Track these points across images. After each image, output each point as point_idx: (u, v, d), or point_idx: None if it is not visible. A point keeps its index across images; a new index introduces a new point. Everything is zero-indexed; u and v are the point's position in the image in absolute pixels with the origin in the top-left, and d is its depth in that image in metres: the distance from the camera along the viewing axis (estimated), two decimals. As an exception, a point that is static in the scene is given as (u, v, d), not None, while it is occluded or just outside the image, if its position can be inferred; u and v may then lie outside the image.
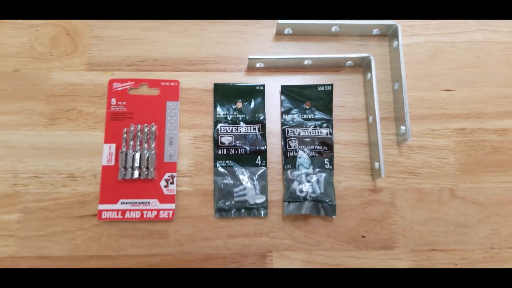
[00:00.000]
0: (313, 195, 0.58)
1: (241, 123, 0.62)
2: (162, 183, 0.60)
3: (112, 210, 0.58)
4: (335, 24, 0.66)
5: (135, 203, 0.58)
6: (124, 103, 0.63)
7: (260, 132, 0.62)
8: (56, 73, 0.64)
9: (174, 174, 0.60)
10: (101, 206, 0.58)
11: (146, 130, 0.61)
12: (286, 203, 0.58)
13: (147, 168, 0.60)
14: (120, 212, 0.58)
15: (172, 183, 0.60)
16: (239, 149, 0.61)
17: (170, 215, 0.58)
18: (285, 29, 0.67)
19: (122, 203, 0.58)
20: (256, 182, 0.60)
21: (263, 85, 0.65)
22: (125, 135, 0.61)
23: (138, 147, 0.60)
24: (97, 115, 0.62)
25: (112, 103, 0.63)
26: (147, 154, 0.60)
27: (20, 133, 0.61)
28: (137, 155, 0.60)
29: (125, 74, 0.64)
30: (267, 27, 0.68)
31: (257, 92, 0.64)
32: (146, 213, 0.58)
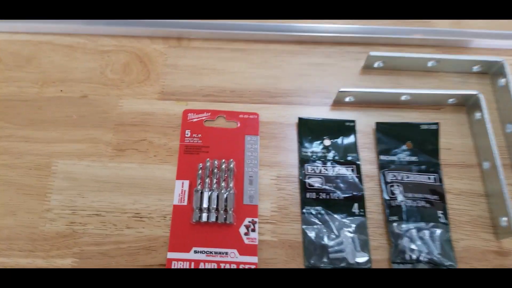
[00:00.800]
0: (428, 257, 0.48)
1: (331, 163, 0.55)
2: (242, 229, 0.51)
3: (183, 260, 0.49)
4: (432, 58, 0.60)
5: (210, 252, 0.50)
6: (200, 135, 0.56)
7: (356, 174, 0.54)
8: (127, 101, 0.59)
9: (256, 219, 0.52)
10: (171, 255, 0.50)
11: (223, 166, 0.54)
12: (395, 264, 0.49)
13: (225, 210, 0.52)
14: (193, 263, 0.49)
15: (253, 230, 0.51)
16: (331, 194, 0.53)
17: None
18: (376, 62, 0.61)
19: (195, 252, 0.50)
20: (354, 236, 0.51)
21: (354, 121, 0.58)
22: (200, 171, 0.54)
23: (215, 186, 0.53)
24: (169, 147, 0.56)
25: (186, 135, 0.57)
26: (226, 194, 0.52)
27: (83, 163, 0.55)
28: (214, 195, 0.52)
29: (200, 105, 0.59)
30: (354, 60, 0.63)
31: (347, 128, 0.57)
32: (224, 266, 0.49)
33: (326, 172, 0.55)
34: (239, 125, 0.57)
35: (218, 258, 0.50)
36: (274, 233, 0.52)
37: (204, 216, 0.51)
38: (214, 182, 0.53)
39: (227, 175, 0.54)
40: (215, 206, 0.52)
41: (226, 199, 0.52)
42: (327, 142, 0.57)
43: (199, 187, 0.53)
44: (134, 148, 0.56)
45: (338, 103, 0.60)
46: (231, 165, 0.54)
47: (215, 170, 0.54)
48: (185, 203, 0.53)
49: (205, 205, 0.52)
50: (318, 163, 0.55)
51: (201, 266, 0.49)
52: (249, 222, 0.52)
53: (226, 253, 0.50)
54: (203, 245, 0.50)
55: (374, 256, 0.50)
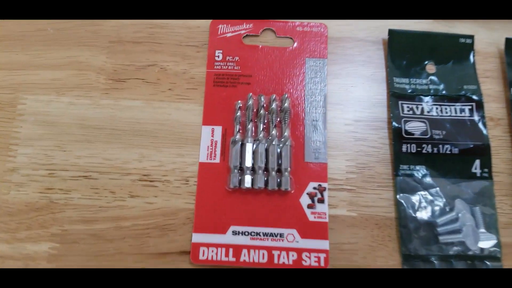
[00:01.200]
0: None
1: (439, 99, 0.36)
2: (304, 200, 0.34)
3: (217, 245, 0.33)
4: None
5: (257, 234, 0.33)
6: (237, 58, 0.38)
7: (476, 117, 0.36)
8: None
9: (325, 185, 0.35)
10: (198, 237, 0.33)
11: (274, 105, 0.36)
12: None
13: (278, 171, 0.35)
14: (231, 251, 0.33)
15: (321, 200, 0.34)
16: (440, 146, 0.35)
17: (322, 262, 0.33)
18: None
19: (234, 233, 0.33)
20: (476, 209, 0.34)
21: (472, 37, 0.38)
22: (239, 113, 0.36)
23: (262, 134, 0.35)
24: (191, 76, 0.38)
25: (217, 58, 0.38)
26: (279, 147, 0.35)
27: (63, 100, 0.37)
28: (261, 148, 0.35)
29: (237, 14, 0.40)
30: None
31: (461, 48, 0.38)
32: (279, 256, 0.33)
33: (431, 113, 0.36)
34: (295, 44, 0.39)
35: (269, 243, 0.33)
36: (352, 205, 0.34)
37: (248, 179, 0.34)
38: (261, 129, 0.35)
39: (280, 118, 0.36)
40: (263, 165, 0.34)
41: (279, 155, 0.35)
42: (431, 68, 0.38)
43: (238, 136, 0.35)
44: (138, 77, 0.37)
45: (443, 11, 0.40)
46: (286, 104, 0.36)
47: (262, 111, 0.36)
48: (217, 160, 0.35)
49: (248, 163, 0.34)
50: (419, 100, 0.37)
51: (244, 255, 0.33)
52: (314, 188, 0.34)
53: (281, 234, 0.33)
54: (246, 223, 0.33)
55: (505, 238, 0.33)
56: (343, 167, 0.35)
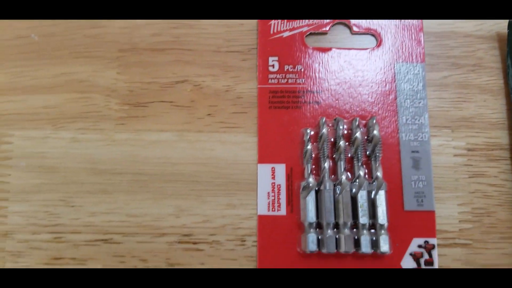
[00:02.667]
0: None
1: None
2: (408, 263, 0.26)
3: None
4: None
5: None
6: (299, 68, 0.28)
7: None
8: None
9: (433, 240, 0.26)
10: (271, 326, 0.25)
11: (358, 134, 0.27)
12: None
13: (371, 228, 0.26)
14: None
15: (429, 262, 0.26)
16: None
17: None
18: None
19: (318, 316, 0.26)
20: None
21: None
22: (309, 146, 0.27)
23: (344, 177, 0.26)
24: (237, 95, 0.28)
25: (272, 69, 0.28)
26: (372, 193, 0.26)
27: (63, 136, 0.28)
28: (346, 197, 0.26)
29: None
30: None
31: None
32: None
33: None
34: (380, 43, 0.29)
35: (366, 328, 0.25)
36: (469, 265, 0.26)
37: (331, 242, 0.26)
38: (342, 168, 0.27)
39: (368, 152, 0.27)
40: (350, 220, 0.26)
41: (372, 205, 0.26)
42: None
43: (311, 179, 0.26)
44: (164, 99, 0.28)
45: None
46: (375, 131, 0.26)
47: (341, 143, 0.27)
48: (283, 211, 0.27)
49: (329, 218, 0.26)
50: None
51: None
52: (420, 247, 0.26)
53: (380, 314, 0.25)
54: (333, 302, 0.26)
55: None
56: (455, 215, 0.27)
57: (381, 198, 0.26)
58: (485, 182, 0.27)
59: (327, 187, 0.26)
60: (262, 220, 0.27)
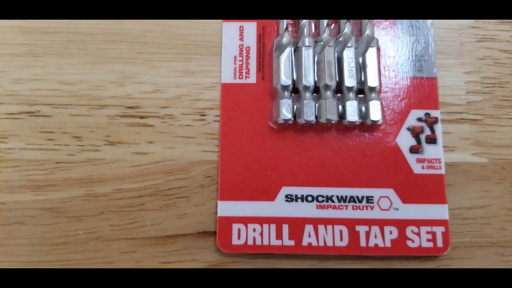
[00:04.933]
0: None
1: None
2: (404, 138, 0.22)
3: (261, 220, 0.20)
4: None
5: (329, 199, 0.21)
6: None
7: None
8: None
9: (436, 113, 0.22)
10: (227, 207, 0.20)
11: None
12: None
13: (360, 93, 0.22)
14: (286, 229, 0.20)
15: (432, 139, 0.22)
16: None
17: (439, 241, 0.20)
18: None
19: (288, 198, 0.21)
20: None
21: None
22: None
23: (327, 33, 0.22)
24: None
25: None
26: (358, 56, 0.22)
27: None
28: (329, 54, 0.21)
29: None
30: None
31: None
32: (367, 234, 0.20)
33: None
34: None
35: (349, 213, 0.20)
36: (479, 146, 0.22)
37: (309, 107, 0.21)
38: (325, 24, 0.22)
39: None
40: (334, 83, 0.21)
41: (362, 65, 0.22)
42: None
43: (286, 36, 0.22)
44: None
45: None
46: (362, -18, 0.22)
47: (322, -4, 0.22)
48: (252, 78, 0.22)
49: (308, 80, 0.21)
50: None
51: (308, 235, 0.20)
52: (419, 120, 0.22)
53: (369, 198, 0.21)
54: (307, 181, 0.21)
55: None
56: (461, 84, 0.23)
57: (371, 57, 0.21)
58: (495, 47, 0.23)
59: (306, 43, 0.22)
60: (227, 89, 0.22)
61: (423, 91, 0.22)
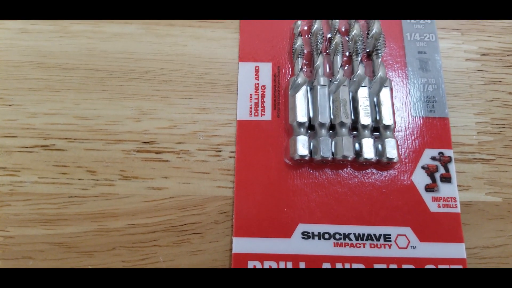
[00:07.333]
0: None
1: None
2: (419, 177, 0.23)
3: (277, 257, 0.21)
4: None
5: (346, 237, 0.21)
6: None
7: None
8: None
9: (449, 152, 0.23)
10: (243, 244, 0.21)
11: (357, 29, 0.24)
12: None
13: (374, 131, 0.23)
14: (303, 267, 0.21)
15: (446, 178, 0.23)
16: None
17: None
18: None
19: (305, 235, 0.21)
20: None
21: None
22: (299, 41, 0.24)
23: (341, 74, 0.23)
24: (218, -12, 0.26)
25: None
26: (372, 95, 0.23)
27: (10, 26, 0.25)
28: (344, 93, 0.23)
29: None
30: None
31: None
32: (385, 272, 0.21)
33: None
34: None
35: (366, 251, 0.21)
36: (493, 185, 0.23)
37: (325, 144, 0.22)
38: (339, 64, 0.24)
39: (369, 48, 0.24)
40: (349, 120, 0.22)
41: (376, 104, 0.23)
42: None
43: (301, 76, 0.23)
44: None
45: None
46: (375, 29, 0.24)
47: (338, 37, 0.24)
48: (268, 116, 0.23)
49: (323, 118, 0.22)
50: None
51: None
52: (433, 159, 0.23)
53: (386, 236, 0.21)
54: (324, 218, 0.21)
55: None
56: (472, 125, 0.24)
57: (385, 96, 0.23)
58: (503, 90, 0.25)
59: (321, 82, 0.23)
60: (243, 126, 0.23)
61: (436, 130, 0.23)
